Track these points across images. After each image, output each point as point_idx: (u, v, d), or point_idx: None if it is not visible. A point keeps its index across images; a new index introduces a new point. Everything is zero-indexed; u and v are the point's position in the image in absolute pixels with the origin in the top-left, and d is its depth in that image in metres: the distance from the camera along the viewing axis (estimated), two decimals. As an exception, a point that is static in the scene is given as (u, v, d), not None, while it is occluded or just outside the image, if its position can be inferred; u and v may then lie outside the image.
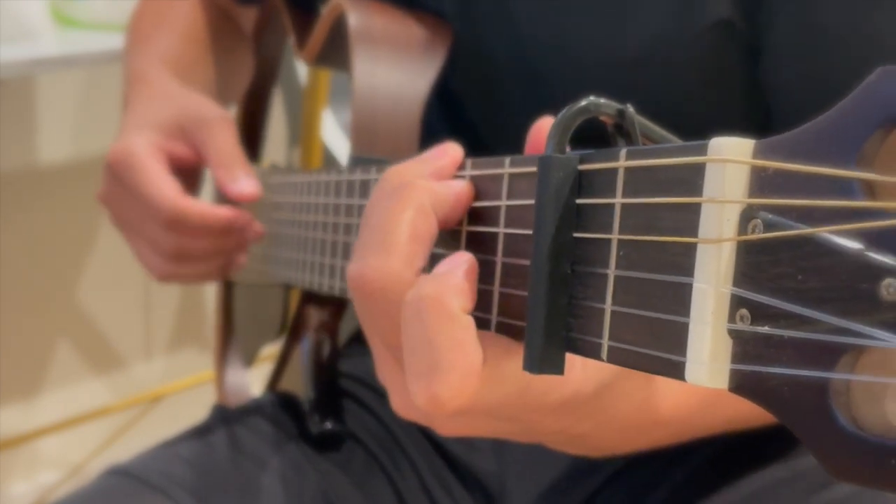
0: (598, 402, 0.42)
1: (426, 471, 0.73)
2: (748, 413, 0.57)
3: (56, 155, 1.59)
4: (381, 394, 0.76)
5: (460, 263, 0.37)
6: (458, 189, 0.41)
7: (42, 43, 1.34)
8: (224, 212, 0.73)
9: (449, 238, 0.42)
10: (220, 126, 0.75)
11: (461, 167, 0.42)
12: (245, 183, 0.73)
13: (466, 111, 0.74)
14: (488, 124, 0.73)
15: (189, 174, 0.77)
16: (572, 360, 0.39)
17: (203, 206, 0.73)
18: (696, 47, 0.60)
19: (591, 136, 0.37)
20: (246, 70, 0.96)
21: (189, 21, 0.89)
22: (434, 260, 0.39)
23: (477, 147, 0.47)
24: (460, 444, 0.74)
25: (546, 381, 0.39)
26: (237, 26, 0.94)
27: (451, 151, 0.43)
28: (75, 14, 1.42)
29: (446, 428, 0.43)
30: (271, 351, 0.89)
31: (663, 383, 0.47)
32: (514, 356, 0.38)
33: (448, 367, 0.36)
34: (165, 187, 0.72)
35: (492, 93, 0.71)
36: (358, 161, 0.64)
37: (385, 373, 0.43)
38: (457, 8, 0.70)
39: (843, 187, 0.23)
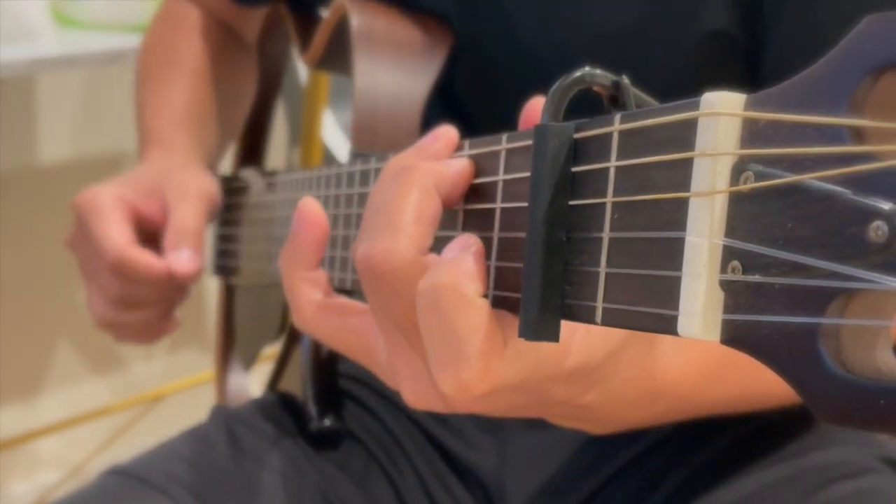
0: (606, 368, 0.42)
1: (426, 470, 0.73)
2: (750, 391, 0.57)
3: (56, 155, 1.59)
4: (381, 394, 0.76)
5: (468, 247, 0.38)
6: (459, 167, 0.41)
7: (42, 43, 1.34)
8: (166, 264, 0.73)
9: (446, 217, 0.42)
10: (194, 198, 0.76)
11: (459, 148, 0.43)
12: (185, 258, 0.73)
13: (468, 111, 0.74)
14: (489, 125, 0.73)
15: (158, 235, 0.77)
16: (573, 328, 0.39)
17: (149, 257, 0.74)
18: (693, 57, 0.60)
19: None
20: (251, 85, 0.96)
21: (194, 56, 0.89)
22: (434, 240, 0.40)
23: None
24: (460, 442, 0.73)
25: (557, 349, 0.39)
26: (241, 41, 0.94)
27: (445, 133, 0.43)
28: (75, 14, 1.42)
29: (465, 409, 0.43)
30: (271, 351, 0.90)
31: (664, 352, 0.47)
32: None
33: (474, 353, 0.36)
34: (115, 233, 0.73)
35: (493, 93, 0.71)
36: (357, 156, 0.64)
37: (397, 358, 0.43)
38: (457, 10, 0.70)
39: (831, 135, 0.23)
